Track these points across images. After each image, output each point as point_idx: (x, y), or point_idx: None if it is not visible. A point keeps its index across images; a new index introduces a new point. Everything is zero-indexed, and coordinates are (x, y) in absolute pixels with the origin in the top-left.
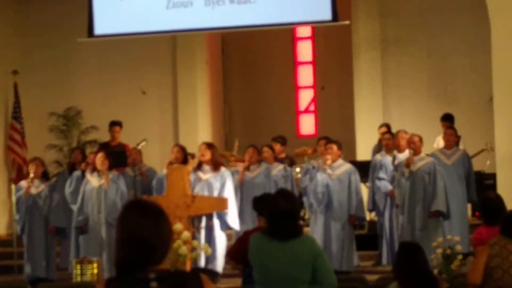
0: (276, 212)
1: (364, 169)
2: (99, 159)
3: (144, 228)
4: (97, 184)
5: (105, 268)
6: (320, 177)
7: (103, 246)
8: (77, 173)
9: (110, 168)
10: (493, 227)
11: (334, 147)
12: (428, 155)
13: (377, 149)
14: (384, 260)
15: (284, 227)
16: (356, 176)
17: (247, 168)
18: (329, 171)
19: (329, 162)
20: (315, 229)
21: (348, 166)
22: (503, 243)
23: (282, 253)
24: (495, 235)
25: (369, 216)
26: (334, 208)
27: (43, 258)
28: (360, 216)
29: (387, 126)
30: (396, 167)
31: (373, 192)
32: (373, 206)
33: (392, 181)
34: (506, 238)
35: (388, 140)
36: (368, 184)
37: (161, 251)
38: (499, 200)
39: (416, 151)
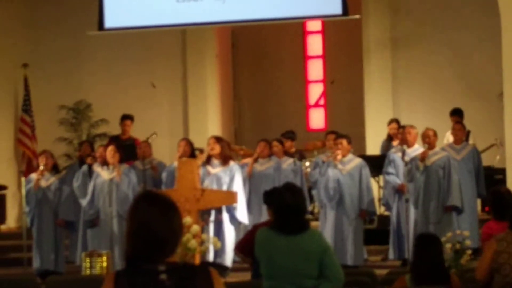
0: (283, 207)
1: (374, 164)
2: (110, 152)
3: (154, 220)
4: (108, 177)
5: (117, 261)
6: (332, 172)
7: (114, 240)
8: (84, 167)
9: (121, 161)
10: (503, 221)
11: (344, 142)
12: None
13: (386, 144)
14: (391, 255)
15: (291, 221)
16: (366, 171)
17: (256, 161)
18: (339, 166)
19: (339, 157)
20: (325, 224)
21: (358, 161)
22: (511, 238)
23: (289, 248)
24: (505, 230)
25: (379, 210)
26: (345, 203)
27: (52, 251)
28: (371, 210)
29: (397, 121)
30: (406, 162)
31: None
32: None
33: (406, 175)
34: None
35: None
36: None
37: (171, 243)
38: (509, 195)
39: (430, 145)
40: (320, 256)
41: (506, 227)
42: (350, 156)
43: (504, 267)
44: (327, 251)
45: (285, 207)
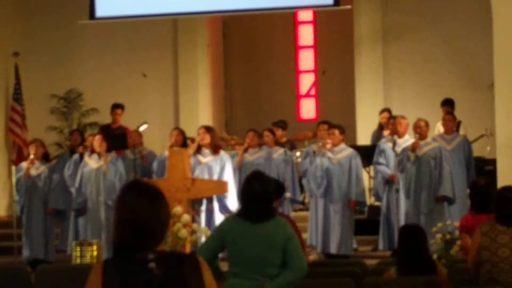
0: (249, 194)
1: (364, 154)
2: (97, 141)
3: (141, 209)
4: (95, 166)
5: (104, 250)
6: (320, 161)
7: (102, 228)
8: (75, 156)
9: (109, 150)
10: (480, 214)
11: (336, 132)
12: None
13: (377, 133)
14: (381, 245)
15: (256, 209)
16: (357, 161)
17: (246, 150)
18: (330, 155)
19: (329, 146)
20: (315, 213)
21: (350, 151)
22: (494, 234)
23: (254, 235)
24: (481, 223)
25: (370, 201)
26: (334, 192)
27: (41, 240)
28: (360, 201)
29: (389, 111)
30: (397, 153)
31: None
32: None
33: (398, 165)
34: (497, 222)
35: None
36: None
37: (159, 232)
38: (487, 188)
39: (422, 136)
40: (284, 244)
41: (483, 219)
42: (342, 146)
43: (487, 264)
44: (291, 240)
45: (251, 195)
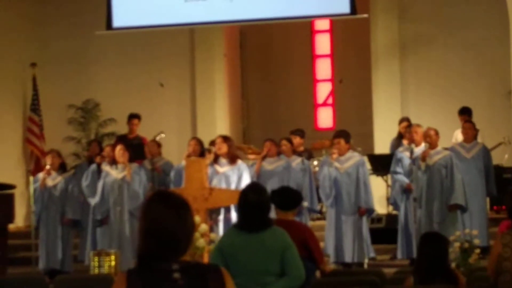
0: (245, 204)
1: (382, 162)
2: (119, 151)
3: (168, 219)
4: (119, 176)
5: (129, 260)
6: (328, 171)
7: (123, 238)
8: (93, 166)
9: (130, 160)
10: None
11: (342, 141)
12: (447, 148)
13: (396, 142)
14: (399, 254)
15: (253, 219)
16: (364, 169)
17: (264, 159)
18: (337, 164)
19: (335, 156)
20: (334, 222)
21: (357, 159)
22: None
23: (251, 245)
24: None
25: (387, 209)
26: (343, 201)
27: (58, 250)
28: (369, 208)
29: (408, 120)
30: (413, 161)
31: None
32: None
33: (409, 174)
34: None
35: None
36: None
37: (185, 242)
38: None
39: (432, 145)
40: (282, 253)
41: None
42: (349, 154)
43: (506, 274)
44: (289, 248)
45: (248, 205)
